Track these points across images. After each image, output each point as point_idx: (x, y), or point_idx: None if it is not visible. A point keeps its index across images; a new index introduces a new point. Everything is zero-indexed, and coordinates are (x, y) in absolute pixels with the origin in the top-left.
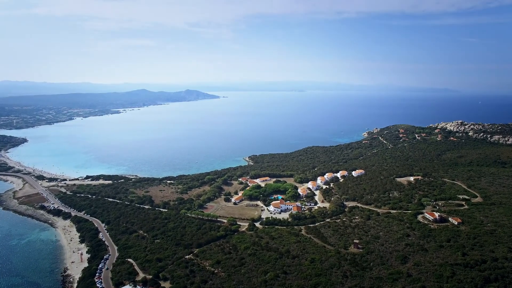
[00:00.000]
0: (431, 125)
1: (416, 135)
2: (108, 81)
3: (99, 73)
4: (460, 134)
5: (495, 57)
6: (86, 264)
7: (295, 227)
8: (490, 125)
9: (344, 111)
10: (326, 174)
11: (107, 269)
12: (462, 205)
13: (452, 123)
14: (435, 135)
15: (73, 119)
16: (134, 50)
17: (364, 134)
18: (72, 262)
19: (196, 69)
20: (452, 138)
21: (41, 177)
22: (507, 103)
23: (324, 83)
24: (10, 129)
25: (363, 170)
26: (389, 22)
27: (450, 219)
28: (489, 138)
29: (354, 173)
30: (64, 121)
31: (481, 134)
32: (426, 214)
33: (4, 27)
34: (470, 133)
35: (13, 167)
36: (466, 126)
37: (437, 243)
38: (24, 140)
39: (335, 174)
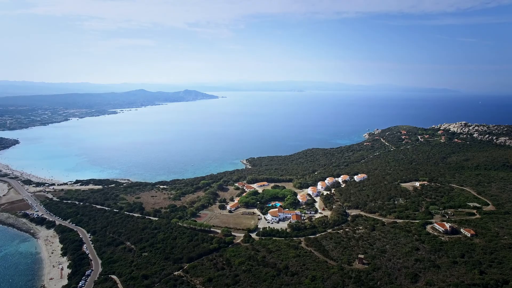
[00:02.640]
0: (433, 126)
1: (419, 137)
2: (106, 81)
3: (98, 73)
4: (465, 135)
5: (494, 57)
6: (65, 281)
7: (294, 238)
8: (496, 126)
9: (344, 111)
10: (327, 178)
11: None
12: (474, 214)
13: (456, 124)
14: (438, 136)
15: (69, 119)
16: (134, 50)
17: (365, 135)
18: (51, 279)
19: (195, 69)
20: (456, 139)
21: (28, 182)
22: (508, 103)
23: (323, 83)
24: (3, 130)
25: (365, 175)
26: (388, 22)
27: (462, 230)
28: (495, 140)
29: (356, 178)
30: (60, 121)
31: (487, 135)
32: (435, 224)
33: (3, 27)
34: (475, 135)
35: (0, 170)
36: (471, 127)
37: (450, 258)
38: (15, 142)
39: (336, 179)
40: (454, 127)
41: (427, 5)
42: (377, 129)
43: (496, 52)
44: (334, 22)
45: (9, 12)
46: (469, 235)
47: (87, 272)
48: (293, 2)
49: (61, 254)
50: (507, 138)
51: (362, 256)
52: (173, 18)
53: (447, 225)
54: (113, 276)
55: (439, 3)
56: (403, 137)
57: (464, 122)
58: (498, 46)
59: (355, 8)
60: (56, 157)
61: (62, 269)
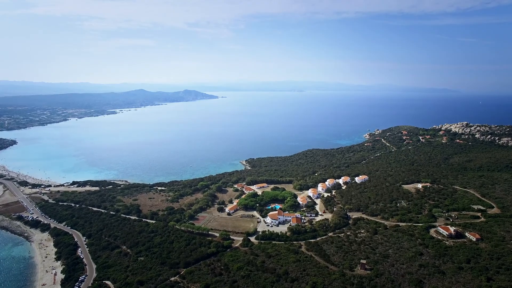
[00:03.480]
0: (434, 126)
1: (420, 137)
2: (106, 81)
3: (97, 73)
4: (466, 136)
5: (494, 57)
6: None
7: (294, 242)
8: (498, 127)
9: (344, 111)
10: (328, 180)
11: None
12: (478, 217)
13: (457, 124)
14: (440, 137)
15: (68, 119)
16: (134, 50)
17: (366, 136)
18: (43, 285)
19: (195, 69)
20: (458, 140)
21: (24, 183)
22: (508, 103)
23: (323, 83)
24: (1, 130)
25: (366, 176)
26: (388, 22)
27: (467, 234)
28: (497, 141)
29: (357, 179)
30: (58, 122)
31: (489, 136)
32: (439, 228)
33: (3, 27)
34: (477, 135)
35: None
36: (472, 128)
37: (455, 264)
38: (13, 142)
39: (337, 180)
40: (455, 127)
41: (427, 5)
42: (378, 130)
43: (496, 52)
44: (334, 22)
45: (9, 12)
46: (474, 239)
47: (81, 278)
48: (293, 2)
49: (55, 258)
50: (509, 138)
51: (364, 261)
52: (173, 18)
53: (452, 229)
54: (108, 282)
55: (439, 3)
56: (404, 137)
57: (465, 122)
58: (498, 46)
59: (355, 8)
60: (53, 158)
61: (55, 274)
